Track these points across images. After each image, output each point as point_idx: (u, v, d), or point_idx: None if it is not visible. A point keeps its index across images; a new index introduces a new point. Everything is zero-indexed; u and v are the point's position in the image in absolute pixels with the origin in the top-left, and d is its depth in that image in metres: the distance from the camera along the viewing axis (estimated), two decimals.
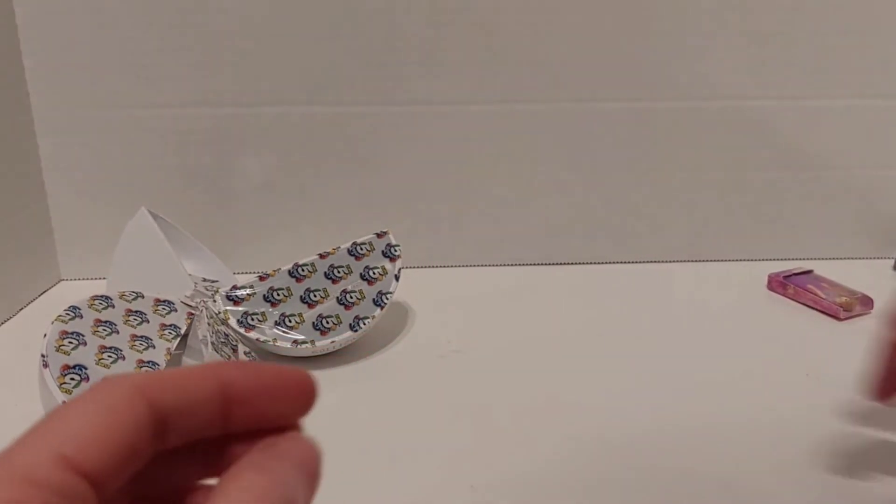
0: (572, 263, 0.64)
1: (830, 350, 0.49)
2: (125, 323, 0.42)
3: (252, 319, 0.45)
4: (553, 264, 0.64)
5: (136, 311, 0.43)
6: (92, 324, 0.41)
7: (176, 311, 0.44)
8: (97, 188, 0.58)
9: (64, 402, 0.35)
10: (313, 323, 0.45)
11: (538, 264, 0.64)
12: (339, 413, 0.41)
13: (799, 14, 0.58)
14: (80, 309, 0.41)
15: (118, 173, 0.58)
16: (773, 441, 0.38)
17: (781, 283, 0.57)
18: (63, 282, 0.60)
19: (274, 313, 0.45)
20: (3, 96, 0.53)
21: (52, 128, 0.57)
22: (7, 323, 0.53)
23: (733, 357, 0.47)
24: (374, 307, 0.46)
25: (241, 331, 0.45)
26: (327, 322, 0.46)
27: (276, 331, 0.45)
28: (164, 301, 0.44)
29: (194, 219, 0.60)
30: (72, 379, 0.37)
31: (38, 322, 0.53)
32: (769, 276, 0.58)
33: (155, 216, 0.51)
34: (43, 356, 0.38)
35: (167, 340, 0.42)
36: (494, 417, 0.40)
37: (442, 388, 0.43)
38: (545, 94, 0.59)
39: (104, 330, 0.41)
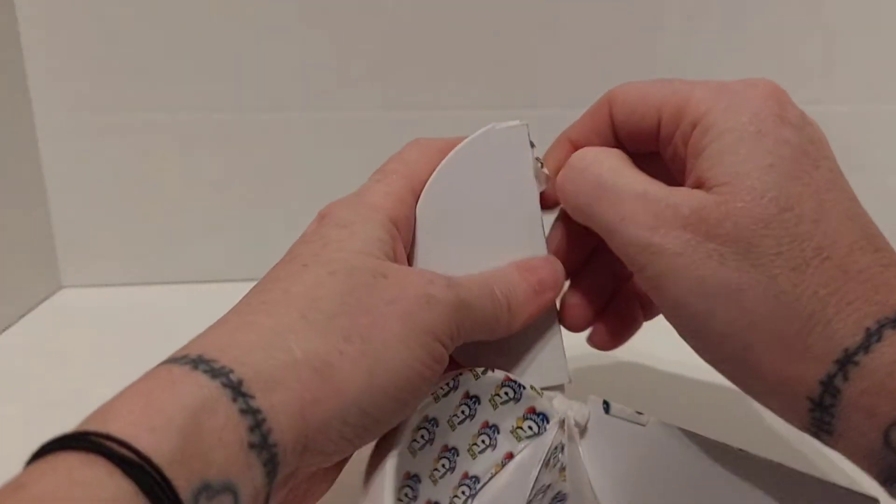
0: None
1: None
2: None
3: None
4: None
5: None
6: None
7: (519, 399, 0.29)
8: (99, 193, 0.58)
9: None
10: None
11: None
12: None
13: (801, 17, 0.58)
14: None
15: (120, 178, 0.58)
16: (774, 443, 0.37)
17: None
18: (64, 289, 0.60)
19: None
20: (5, 99, 0.53)
21: (53, 131, 0.56)
22: (7, 331, 0.52)
23: None
24: None
25: None
26: None
27: None
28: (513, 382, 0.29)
29: (198, 224, 0.59)
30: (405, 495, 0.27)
31: (38, 330, 0.53)
32: None
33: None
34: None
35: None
36: None
37: None
38: (548, 98, 0.58)
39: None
